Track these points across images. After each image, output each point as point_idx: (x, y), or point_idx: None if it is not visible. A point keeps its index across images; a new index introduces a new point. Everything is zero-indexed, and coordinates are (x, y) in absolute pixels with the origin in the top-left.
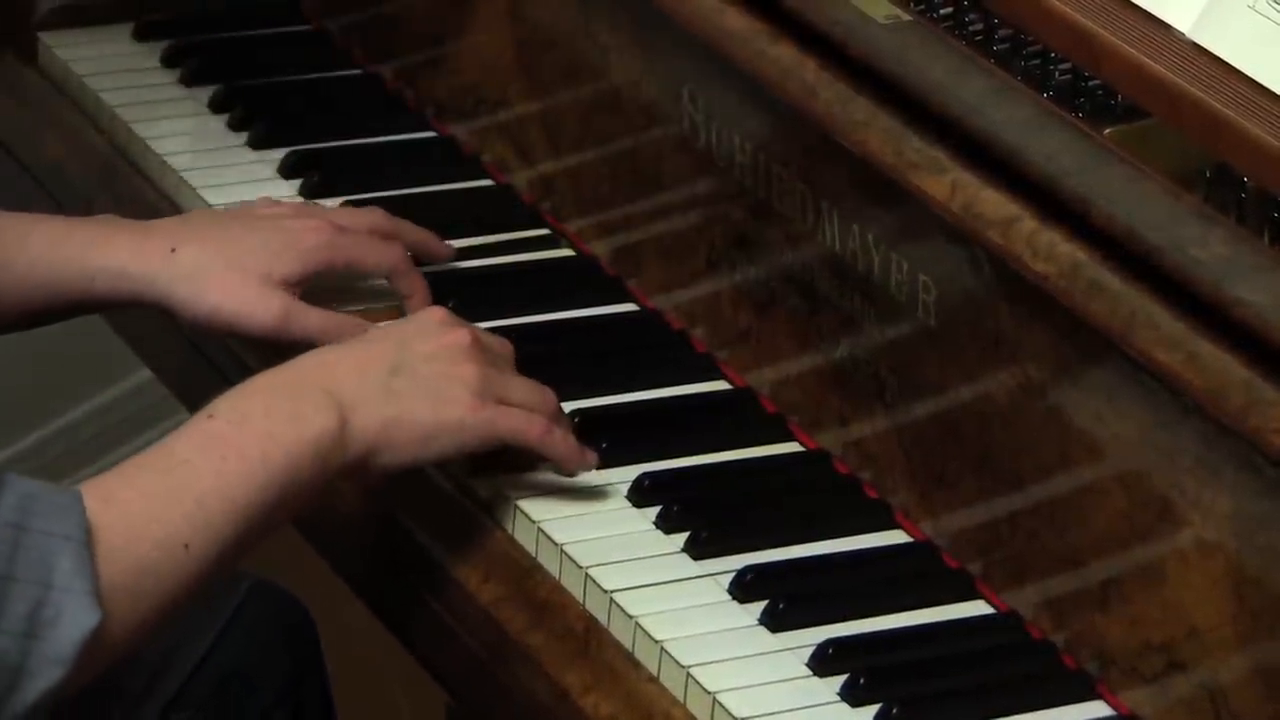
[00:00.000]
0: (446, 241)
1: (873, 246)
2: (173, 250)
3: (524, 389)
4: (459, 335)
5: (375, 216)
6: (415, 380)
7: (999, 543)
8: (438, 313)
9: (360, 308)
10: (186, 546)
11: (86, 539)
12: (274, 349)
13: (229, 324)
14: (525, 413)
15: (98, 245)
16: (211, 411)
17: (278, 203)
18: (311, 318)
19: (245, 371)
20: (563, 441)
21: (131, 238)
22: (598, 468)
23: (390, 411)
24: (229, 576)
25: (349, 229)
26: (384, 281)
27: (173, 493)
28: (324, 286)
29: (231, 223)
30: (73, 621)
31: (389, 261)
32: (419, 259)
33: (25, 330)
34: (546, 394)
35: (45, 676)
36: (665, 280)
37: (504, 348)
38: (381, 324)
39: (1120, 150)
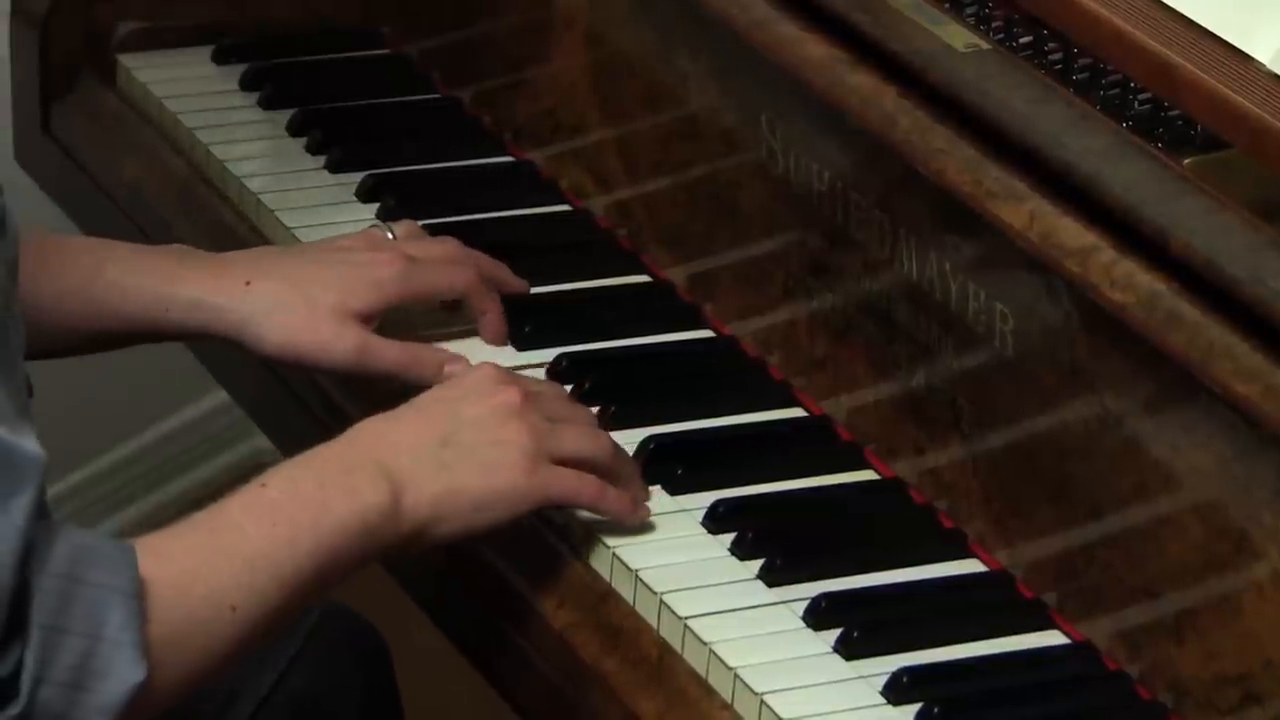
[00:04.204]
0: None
1: (950, 275)
2: (248, 283)
3: (577, 440)
4: (508, 395)
5: (449, 246)
6: (465, 449)
7: (1075, 573)
8: (487, 369)
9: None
10: (234, 608)
11: (137, 592)
12: (351, 379)
13: (304, 359)
14: (578, 475)
15: (174, 275)
16: (265, 480)
17: (351, 236)
18: (388, 352)
19: (322, 395)
20: (616, 501)
21: (207, 269)
22: (671, 494)
23: (442, 485)
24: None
25: (422, 259)
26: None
27: (223, 553)
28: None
29: (306, 257)
30: (120, 675)
31: (463, 284)
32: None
33: (92, 354)
34: (601, 439)
35: None
36: (742, 307)
37: (555, 393)
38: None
39: (1199, 180)
